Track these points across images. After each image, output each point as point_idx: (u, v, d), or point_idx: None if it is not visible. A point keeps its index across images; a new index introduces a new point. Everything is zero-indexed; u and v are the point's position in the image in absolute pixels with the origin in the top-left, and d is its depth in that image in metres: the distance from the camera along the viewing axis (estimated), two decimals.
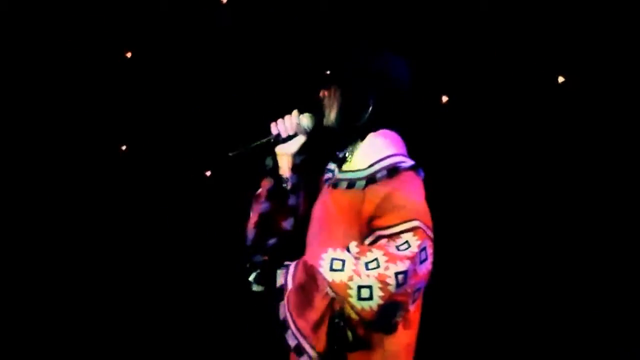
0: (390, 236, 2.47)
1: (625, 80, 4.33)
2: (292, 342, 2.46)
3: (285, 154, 2.71)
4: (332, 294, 2.43)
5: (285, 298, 2.49)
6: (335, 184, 2.63)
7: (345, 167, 2.65)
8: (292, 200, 2.73)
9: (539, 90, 4.46)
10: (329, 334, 2.42)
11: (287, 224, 2.73)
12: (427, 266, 2.48)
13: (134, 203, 5.04)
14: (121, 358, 5.02)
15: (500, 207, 4.51)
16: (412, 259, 2.42)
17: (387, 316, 2.43)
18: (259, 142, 2.69)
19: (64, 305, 5.04)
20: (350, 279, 2.41)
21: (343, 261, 2.46)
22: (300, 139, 2.72)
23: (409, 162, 2.59)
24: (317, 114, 2.69)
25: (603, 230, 4.35)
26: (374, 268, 2.41)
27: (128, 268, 5.03)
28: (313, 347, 2.42)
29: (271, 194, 2.73)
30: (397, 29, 4.56)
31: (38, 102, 5.06)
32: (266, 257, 2.73)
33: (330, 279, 2.43)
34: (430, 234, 2.52)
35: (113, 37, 5.05)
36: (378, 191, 2.52)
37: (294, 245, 2.72)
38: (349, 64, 2.68)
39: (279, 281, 2.54)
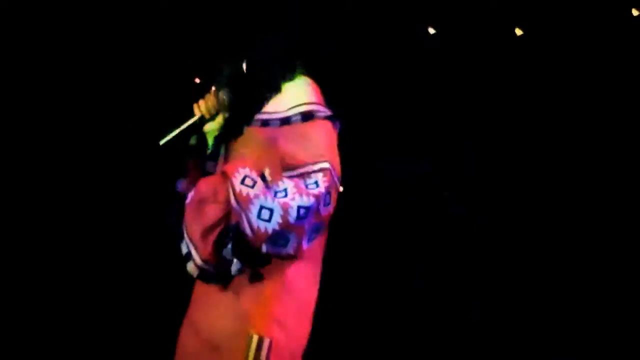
0: (301, 175, 2.57)
1: None
2: (183, 250, 2.57)
3: (213, 132, 2.79)
4: (234, 203, 2.51)
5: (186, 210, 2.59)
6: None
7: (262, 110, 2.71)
8: (211, 168, 2.78)
9: (613, 24, 4.33)
10: (217, 242, 2.52)
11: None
12: (329, 210, 2.58)
13: None
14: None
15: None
16: (317, 197, 2.53)
17: (278, 244, 2.52)
18: (185, 126, 2.73)
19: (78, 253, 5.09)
20: (257, 197, 2.51)
21: (255, 181, 2.55)
22: (223, 115, 2.78)
23: (326, 112, 2.67)
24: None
25: None
26: (282, 197, 2.52)
27: None
28: (199, 253, 2.53)
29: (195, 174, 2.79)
30: None
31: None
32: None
33: (238, 190, 2.52)
34: (337, 181, 2.61)
35: None
36: (292, 131, 2.62)
37: None
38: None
39: (179, 186, 2.69)
